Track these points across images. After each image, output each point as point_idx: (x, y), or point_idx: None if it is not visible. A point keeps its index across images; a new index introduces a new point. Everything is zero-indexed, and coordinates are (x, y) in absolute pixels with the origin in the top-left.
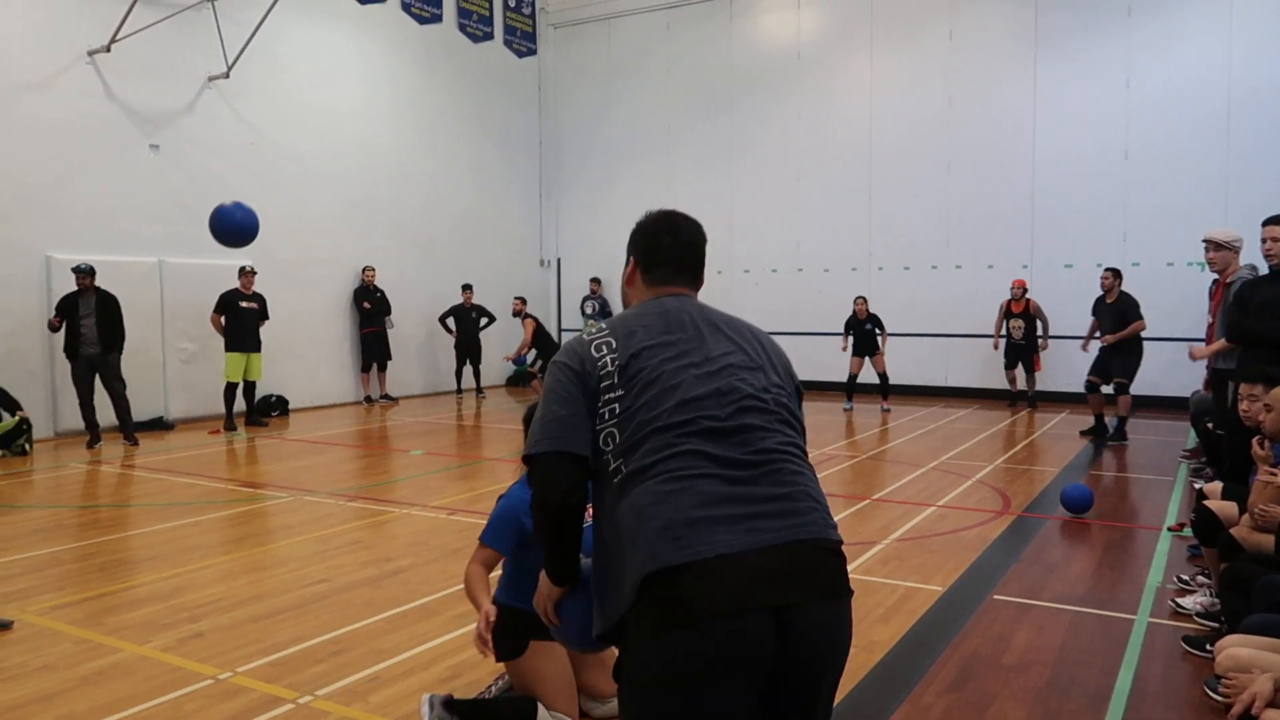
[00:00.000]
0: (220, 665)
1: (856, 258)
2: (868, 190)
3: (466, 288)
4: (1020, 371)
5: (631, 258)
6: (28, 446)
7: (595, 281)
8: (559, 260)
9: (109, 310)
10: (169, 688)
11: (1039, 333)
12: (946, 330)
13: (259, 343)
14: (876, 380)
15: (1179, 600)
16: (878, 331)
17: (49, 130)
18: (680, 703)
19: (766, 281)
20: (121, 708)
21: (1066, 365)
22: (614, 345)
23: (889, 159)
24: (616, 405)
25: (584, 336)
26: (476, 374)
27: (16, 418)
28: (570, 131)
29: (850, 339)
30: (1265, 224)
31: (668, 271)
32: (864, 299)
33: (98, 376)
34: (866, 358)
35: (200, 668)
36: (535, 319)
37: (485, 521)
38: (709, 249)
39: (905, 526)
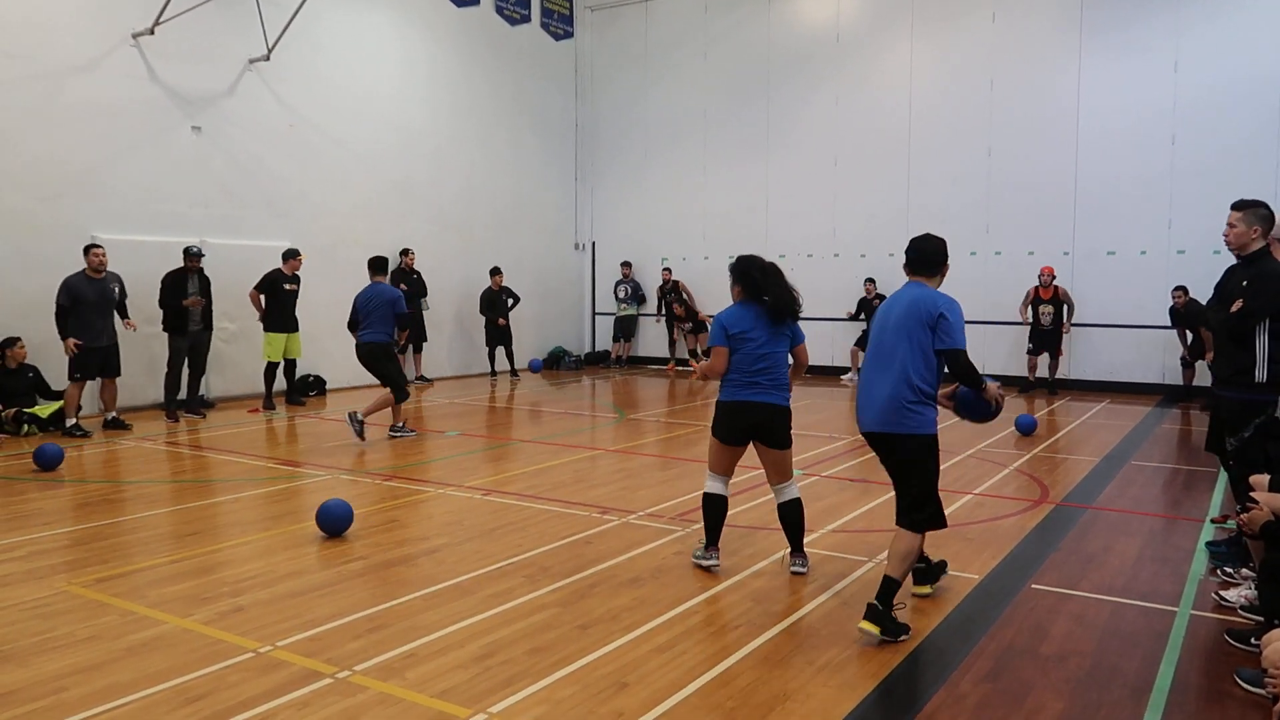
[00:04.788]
0: (260, 639)
1: (895, 243)
2: (906, 176)
3: (495, 271)
4: (1043, 359)
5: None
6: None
7: (626, 265)
8: (593, 244)
9: (209, 291)
10: (211, 660)
11: (1065, 319)
12: (984, 318)
13: (297, 322)
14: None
15: (1223, 593)
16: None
17: (94, 112)
18: None
19: (802, 266)
20: (165, 679)
21: (1094, 353)
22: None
23: (928, 144)
24: None
25: None
26: (510, 356)
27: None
28: (606, 115)
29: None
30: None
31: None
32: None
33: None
34: None
35: (241, 641)
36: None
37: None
38: (747, 233)
39: None
